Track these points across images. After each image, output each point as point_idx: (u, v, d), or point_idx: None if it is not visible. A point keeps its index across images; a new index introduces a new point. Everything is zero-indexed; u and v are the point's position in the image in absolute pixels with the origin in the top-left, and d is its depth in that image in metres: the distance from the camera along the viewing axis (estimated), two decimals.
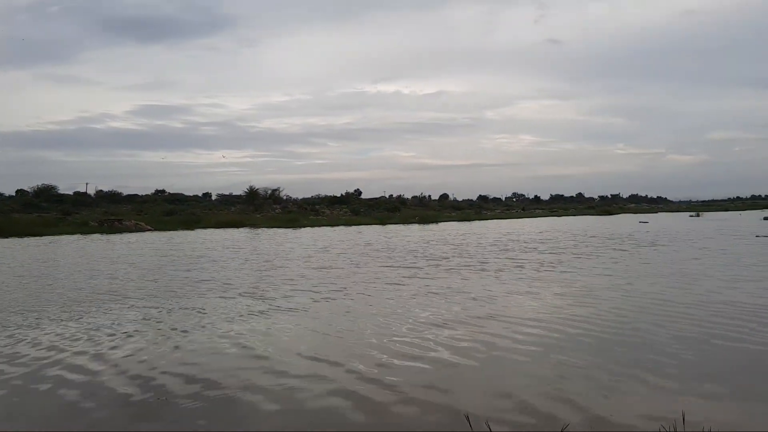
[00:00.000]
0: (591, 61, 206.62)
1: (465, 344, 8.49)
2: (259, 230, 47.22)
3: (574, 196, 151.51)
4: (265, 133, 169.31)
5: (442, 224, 57.85)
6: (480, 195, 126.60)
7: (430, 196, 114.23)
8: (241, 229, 48.27)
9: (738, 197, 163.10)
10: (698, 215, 72.46)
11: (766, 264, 17.98)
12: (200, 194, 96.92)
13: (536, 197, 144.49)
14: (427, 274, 16.93)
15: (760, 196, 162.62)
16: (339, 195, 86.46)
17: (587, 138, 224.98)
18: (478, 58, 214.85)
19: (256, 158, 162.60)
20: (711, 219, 61.01)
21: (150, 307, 11.74)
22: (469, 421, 5.24)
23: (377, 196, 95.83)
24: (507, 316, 10.49)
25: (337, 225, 55.24)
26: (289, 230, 47.12)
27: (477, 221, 66.53)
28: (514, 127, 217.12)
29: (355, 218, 63.91)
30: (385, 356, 7.92)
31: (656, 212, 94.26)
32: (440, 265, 19.37)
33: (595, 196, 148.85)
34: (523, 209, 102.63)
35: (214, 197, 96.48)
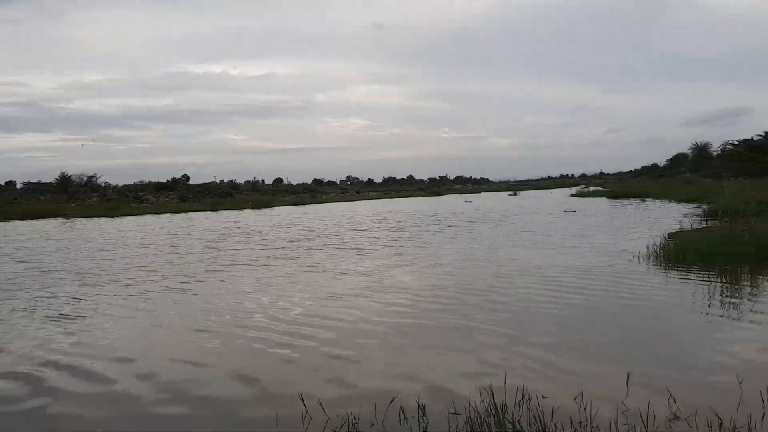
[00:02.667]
0: (416, 47, 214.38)
1: (305, 328, 8.18)
2: (75, 221, 43.25)
3: (405, 178, 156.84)
4: (77, 114, 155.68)
5: (276, 209, 56.87)
6: (314, 179, 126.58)
7: (263, 180, 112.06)
8: (52, 220, 43.90)
9: (549, 176, 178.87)
10: (515, 194, 78.21)
11: (572, 235, 19.61)
12: (2, 183, 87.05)
13: (370, 180, 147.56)
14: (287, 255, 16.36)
15: (567, 175, 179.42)
16: (165, 181, 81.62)
17: (415, 122, 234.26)
18: (307, 41, 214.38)
19: (68, 142, 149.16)
20: (526, 197, 66.04)
21: None
22: (303, 401, 4.96)
23: (208, 181, 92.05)
24: (362, 294, 10.34)
25: (163, 213, 52.21)
26: (111, 220, 43.66)
27: (312, 205, 66.33)
28: (345, 111, 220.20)
29: (183, 205, 60.72)
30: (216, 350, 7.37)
31: (480, 192, 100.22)
32: (298, 248, 18.86)
33: (425, 178, 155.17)
34: (357, 192, 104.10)
35: (19, 186, 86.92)
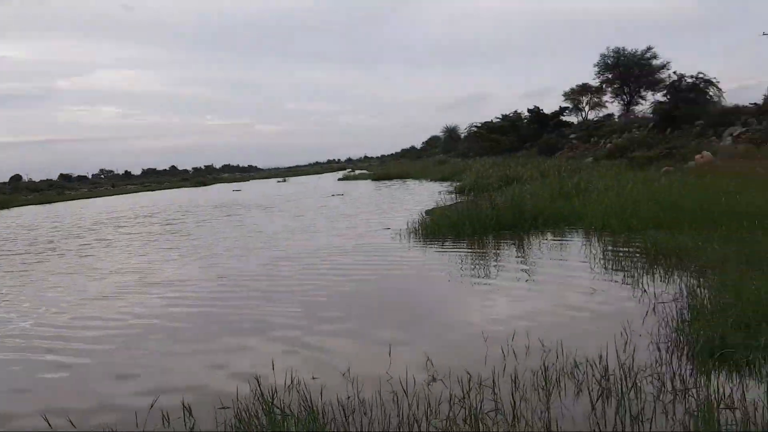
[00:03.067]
0: (173, 31, 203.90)
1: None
2: None
3: (168, 169, 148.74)
4: None
5: (16, 209, 50.43)
6: (61, 174, 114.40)
7: None
8: None
9: (317, 162, 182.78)
10: (285, 180, 78.71)
11: (341, 217, 20.28)
12: None
13: (127, 173, 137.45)
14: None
15: (335, 160, 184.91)
16: None
17: (176, 109, 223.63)
18: (43, 21, 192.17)
19: None
20: (296, 183, 66.79)
21: None
22: (47, 421, 4.43)
23: None
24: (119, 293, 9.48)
25: None
26: None
27: (61, 203, 60.02)
28: (93, 98, 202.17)
29: None
30: None
31: (248, 180, 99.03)
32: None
33: (189, 168, 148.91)
34: (113, 186, 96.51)
35: None
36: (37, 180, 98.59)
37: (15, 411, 5.24)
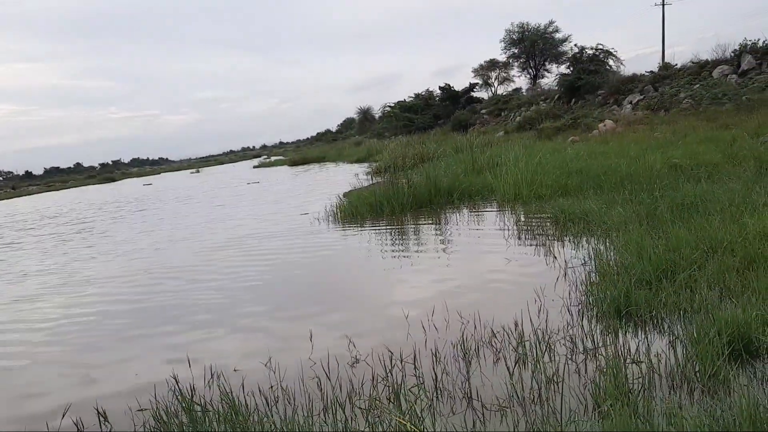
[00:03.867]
0: (69, 20, 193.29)
1: None
2: None
3: (73, 166, 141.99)
4: None
5: None
6: None
7: None
8: None
9: (231, 150, 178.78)
10: (198, 171, 76.62)
11: (258, 205, 19.96)
12: None
13: (28, 173, 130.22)
14: None
15: (249, 147, 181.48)
16: None
17: (77, 103, 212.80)
18: None
19: None
20: (210, 173, 65.14)
21: None
22: None
23: None
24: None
25: None
26: None
27: None
28: None
29: None
30: None
31: (159, 173, 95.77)
32: None
33: (96, 164, 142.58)
34: (13, 188, 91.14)
35: None
36: None
37: None
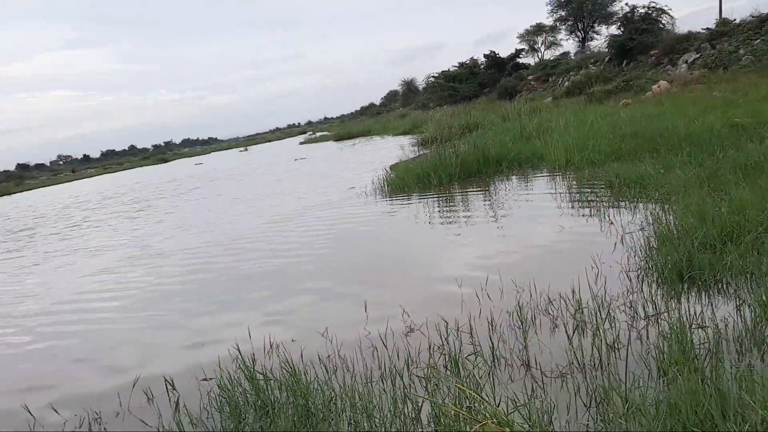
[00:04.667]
0: (118, 6, 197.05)
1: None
2: None
3: (127, 148, 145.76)
4: None
5: None
6: (19, 164, 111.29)
7: None
8: None
9: (277, 128, 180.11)
10: (246, 149, 77.50)
11: (306, 182, 20.15)
12: None
13: (86, 156, 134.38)
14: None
15: (294, 124, 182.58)
16: None
17: (129, 87, 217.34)
18: None
19: None
20: (257, 151, 65.89)
21: None
22: (28, 409, 4.38)
23: None
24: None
25: None
26: None
27: (21, 193, 58.51)
28: (42, 82, 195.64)
29: None
30: None
31: (209, 153, 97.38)
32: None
33: (149, 146, 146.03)
34: (73, 171, 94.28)
35: None
36: None
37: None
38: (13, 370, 6.01)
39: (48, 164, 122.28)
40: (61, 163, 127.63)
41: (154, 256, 10.67)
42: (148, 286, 8.48)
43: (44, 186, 67.28)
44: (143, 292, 8.19)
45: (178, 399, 4.44)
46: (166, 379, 4.61)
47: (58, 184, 67.70)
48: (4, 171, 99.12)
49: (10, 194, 58.46)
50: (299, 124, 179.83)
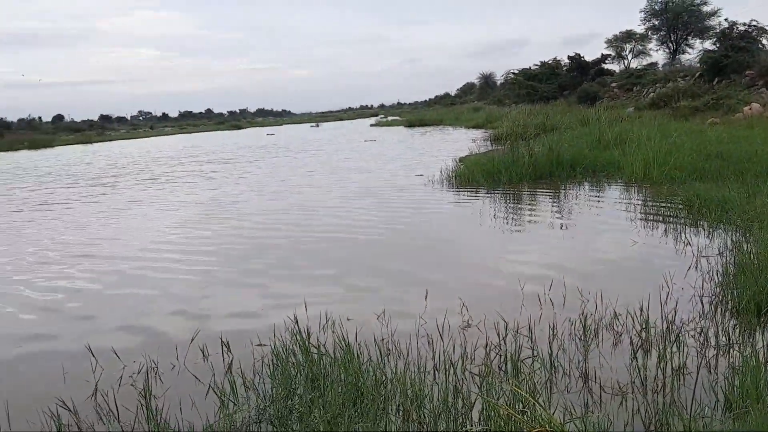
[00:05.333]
0: None
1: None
2: None
3: (204, 112, 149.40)
4: None
5: (59, 148, 51.45)
6: (102, 115, 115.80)
7: (40, 117, 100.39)
8: None
9: (350, 107, 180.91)
10: (317, 125, 78.33)
11: (373, 165, 20.22)
12: None
13: (164, 115, 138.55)
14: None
15: (367, 105, 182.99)
16: None
17: (210, 53, 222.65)
18: None
19: None
20: (328, 128, 66.49)
21: None
22: (92, 352, 4.56)
23: None
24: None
25: None
26: None
27: (101, 143, 60.97)
28: (131, 39, 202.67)
29: None
30: None
31: (282, 125, 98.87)
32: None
33: (225, 112, 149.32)
34: (151, 128, 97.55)
35: None
36: (78, 120, 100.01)
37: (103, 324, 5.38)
38: (84, 311, 6.25)
39: (128, 118, 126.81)
40: (140, 118, 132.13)
41: (229, 217, 11.26)
42: (221, 244, 8.85)
43: (123, 139, 69.83)
44: (215, 249, 8.56)
45: (231, 361, 4.54)
46: (222, 340, 4.71)
47: (136, 138, 70.14)
48: (88, 120, 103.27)
49: (91, 143, 60.93)
50: (372, 106, 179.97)
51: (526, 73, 54.30)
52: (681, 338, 4.21)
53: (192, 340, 4.80)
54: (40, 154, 43.30)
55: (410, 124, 51.11)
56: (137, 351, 4.85)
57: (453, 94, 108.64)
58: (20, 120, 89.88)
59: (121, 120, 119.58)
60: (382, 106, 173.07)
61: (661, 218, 8.54)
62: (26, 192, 18.01)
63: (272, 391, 3.83)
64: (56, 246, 9.39)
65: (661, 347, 4.08)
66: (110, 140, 66.59)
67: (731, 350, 4.08)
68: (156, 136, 74.79)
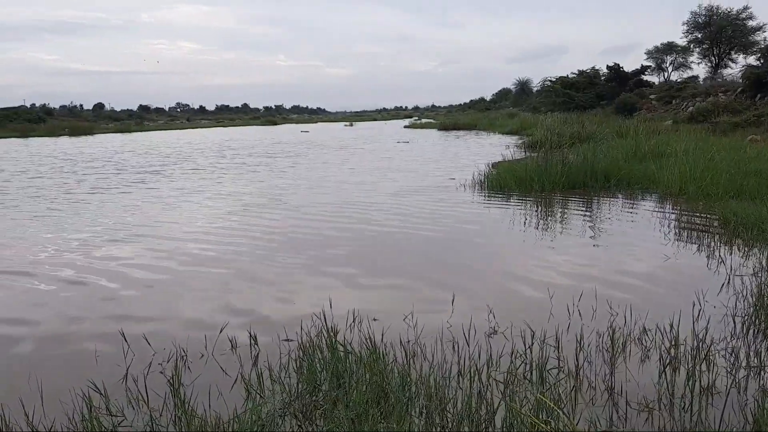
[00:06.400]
0: None
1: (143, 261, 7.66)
2: None
3: (240, 106, 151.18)
4: None
5: (99, 136, 52.56)
6: (141, 105, 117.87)
7: (82, 105, 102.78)
8: None
9: (384, 108, 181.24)
10: (351, 125, 78.65)
11: (405, 167, 20.23)
12: None
13: (201, 108, 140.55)
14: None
15: (401, 106, 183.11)
16: None
17: (249, 48, 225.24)
18: None
19: None
20: (362, 127, 66.70)
21: None
22: (124, 336, 4.67)
23: (15, 105, 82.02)
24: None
25: None
26: None
27: (139, 132, 62.08)
28: (172, 32, 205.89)
29: None
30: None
31: (316, 122, 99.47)
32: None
33: (260, 107, 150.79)
34: (188, 120, 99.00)
35: None
36: (119, 109, 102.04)
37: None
38: (124, 293, 6.39)
39: (167, 109, 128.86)
40: (178, 110, 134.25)
41: (274, 208, 11.76)
42: (263, 235, 9.14)
43: (160, 129, 70.98)
44: (259, 238, 8.88)
45: (258, 353, 4.61)
46: (250, 333, 4.79)
47: (173, 129, 71.24)
48: (128, 110, 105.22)
49: (130, 132, 62.11)
50: (406, 107, 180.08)
51: (563, 82, 53.87)
52: (711, 357, 4.15)
53: (221, 330, 4.88)
54: (82, 140, 44.28)
55: (443, 127, 51.04)
56: (168, 338, 4.95)
57: (488, 99, 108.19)
58: (62, 107, 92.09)
59: (159, 111, 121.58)
60: (416, 108, 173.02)
61: (695, 234, 8.40)
62: (78, 176, 18.73)
63: (297, 386, 3.88)
64: (104, 230, 9.65)
65: (690, 365, 4.03)
66: (148, 130, 67.72)
67: (762, 372, 4.02)
68: (192, 128, 75.87)
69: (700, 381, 3.84)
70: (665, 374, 4.00)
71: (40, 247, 8.57)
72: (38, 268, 7.39)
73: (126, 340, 4.73)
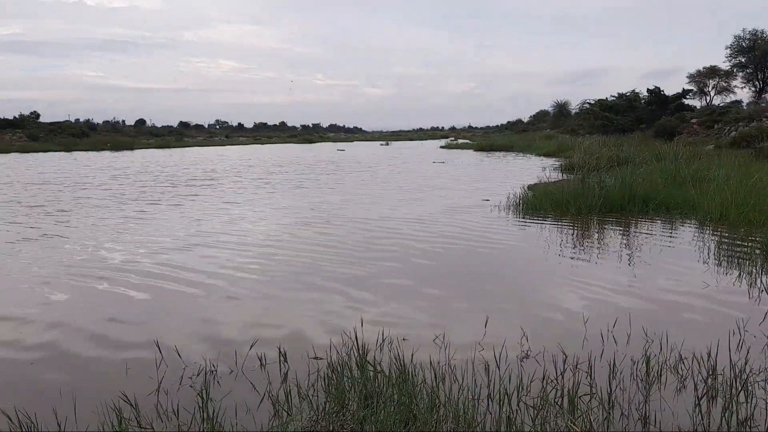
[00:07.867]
0: None
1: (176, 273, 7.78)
2: None
3: (278, 124, 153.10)
4: None
5: (139, 151, 53.82)
6: (181, 121, 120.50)
7: (124, 121, 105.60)
8: None
9: (421, 128, 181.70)
10: (387, 144, 79.05)
11: (441, 186, 20.19)
12: None
13: (240, 125, 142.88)
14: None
15: (438, 127, 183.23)
16: (12, 118, 73.95)
17: (288, 66, 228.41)
18: None
19: None
20: (398, 147, 66.95)
21: None
22: (159, 347, 4.73)
23: (61, 120, 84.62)
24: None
25: (8, 152, 47.79)
26: None
27: (179, 148, 63.36)
28: (213, 51, 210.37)
29: (32, 144, 55.82)
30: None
31: (352, 141, 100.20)
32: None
33: (298, 125, 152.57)
34: (226, 137, 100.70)
35: None
36: (159, 125, 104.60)
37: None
38: (158, 305, 6.50)
39: (206, 126, 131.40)
40: (217, 127, 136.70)
41: (323, 222, 12.18)
42: (302, 251, 9.27)
43: (199, 146, 72.28)
44: (300, 254, 9.10)
45: (287, 371, 4.62)
46: (279, 350, 4.82)
47: (212, 146, 72.49)
48: (168, 126, 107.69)
49: (170, 147, 63.43)
50: (443, 128, 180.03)
51: (602, 104, 53.32)
52: (749, 388, 4.03)
53: (251, 346, 4.93)
54: (124, 155, 45.36)
55: (480, 148, 50.91)
56: (198, 352, 5.01)
57: (525, 121, 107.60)
58: (105, 122, 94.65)
59: (198, 127, 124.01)
60: (453, 128, 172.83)
61: (736, 262, 8.19)
62: (126, 188, 19.52)
63: (325, 404, 3.88)
64: (149, 241, 9.83)
65: (727, 396, 3.92)
66: (188, 146, 69.04)
67: None
68: (231, 145, 77.10)
69: (738, 413, 3.73)
70: (701, 405, 3.90)
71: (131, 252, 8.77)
72: (109, 273, 7.56)
73: (161, 352, 4.80)
